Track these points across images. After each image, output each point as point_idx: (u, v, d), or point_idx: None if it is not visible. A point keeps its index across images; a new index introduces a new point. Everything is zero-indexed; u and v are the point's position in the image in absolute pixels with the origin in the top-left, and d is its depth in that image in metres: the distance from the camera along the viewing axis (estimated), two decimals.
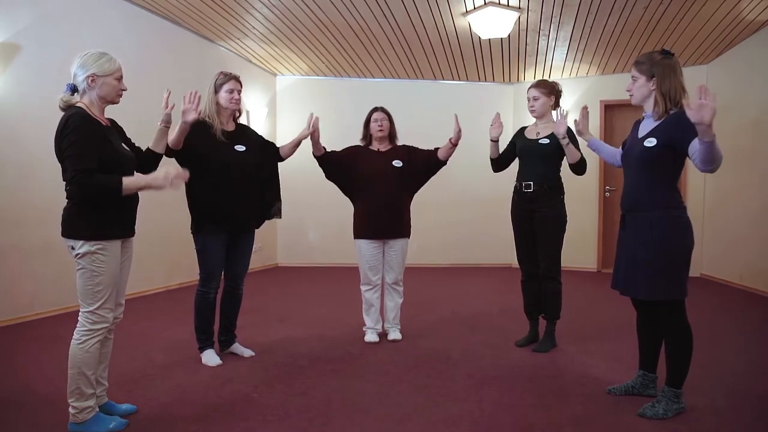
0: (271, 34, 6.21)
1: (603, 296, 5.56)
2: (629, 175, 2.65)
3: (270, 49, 6.82)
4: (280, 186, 3.68)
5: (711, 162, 2.32)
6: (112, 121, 2.49)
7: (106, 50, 2.41)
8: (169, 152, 3.09)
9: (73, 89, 2.33)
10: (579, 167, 3.53)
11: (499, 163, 3.82)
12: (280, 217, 3.59)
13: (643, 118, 2.68)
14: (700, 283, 6.51)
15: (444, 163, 3.92)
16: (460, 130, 3.75)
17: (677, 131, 2.44)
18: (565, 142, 3.44)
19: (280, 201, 3.60)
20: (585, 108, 3.19)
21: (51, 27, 4.50)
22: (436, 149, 3.91)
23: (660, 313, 2.59)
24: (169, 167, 2.41)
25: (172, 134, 3.03)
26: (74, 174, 2.21)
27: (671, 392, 2.55)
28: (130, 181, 2.34)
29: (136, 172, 2.52)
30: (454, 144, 3.81)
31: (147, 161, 2.67)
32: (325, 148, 3.81)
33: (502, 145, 3.78)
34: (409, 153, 3.91)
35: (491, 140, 3.72)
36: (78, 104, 2.32)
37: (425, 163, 3.89)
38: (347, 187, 3.94)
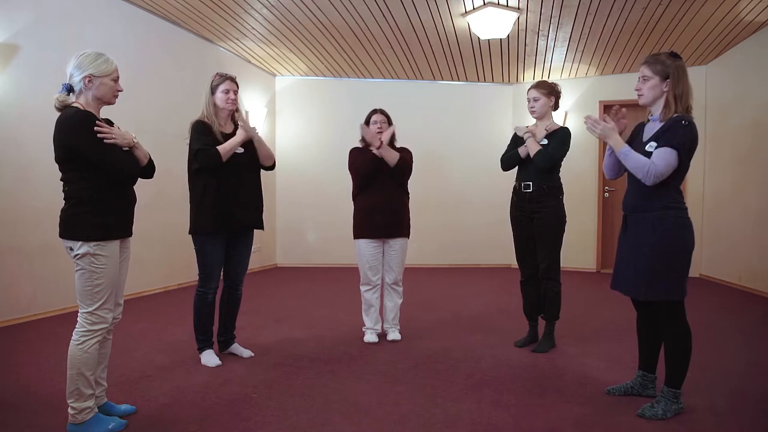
0: (270, 35, 6.21)
1: (602, 297, 5.56)
2: (632, 177, 2.64)
3: (269, 50, 6.82)
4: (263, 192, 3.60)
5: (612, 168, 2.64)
6: (109, 122, 2.48)
7: (105, 51, 2.40)
8: (216, 162, 3.17)
9: (69, 89, 2.32)
10: (538, 159, 3.50)
11: (514, 164, 3.75)
12: (263, 228, 3.54)
13: (648, 120, 2.67)
14: (699, 283, 6.51)
15: (395, 167, 3.78)
16: (373, 136, 3.73)
17: (661, 135, 2.46)
18: (522, 152, 3.54)
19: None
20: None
21: (50, 28, 4.50)
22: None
23: (660, 313, 2.60)
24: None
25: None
26: (125, 176, 2.33)
27: (670, 393, 2.55)
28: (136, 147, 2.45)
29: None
30: (377, 148, 3.74)
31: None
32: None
33: (502, 144, 3.78)
34: (403, 155, 3.89)
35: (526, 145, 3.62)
36: (74, 104, 2.31)
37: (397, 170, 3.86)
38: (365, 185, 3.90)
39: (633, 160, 2.52)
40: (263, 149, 3.39)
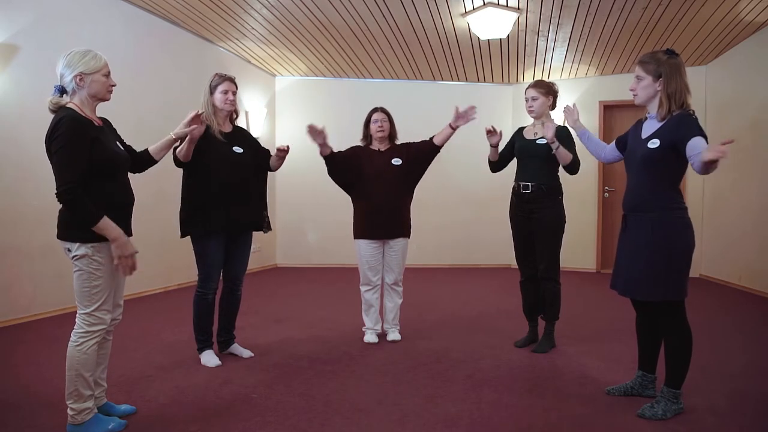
0: (270, 35, 6.21)
1: (602, 297, 5.56)
2: (632, 176, 2.65)
3: (269, 50, 6.82)
4: (267, 194, 3.59)
5: (708, 170, 2.34)
6: (105, 120, 2.47)
7: (105, 51, 2.39)
8: (179, 164, 3.18)
9: (62, 90, 2.29)
10: (570, 168, 3.52)
11: (497, 165, 3.84)
12: (270, 229, 3.55)
13: (647, 118, 2.67)
14: (699, 283, 6.51)
15: (439, 148, 3.87)
16: (460, 116, 3.72)
17: (678, 133, 2.44)
18: (555, 146, 3.44)
19: (267, 212, 3.54)
20: (567, 107, 3.21)
21: (50, 28, 4.50)
22: (432, 138, 3.88)
23: (660, 313, 2.59)
24: (126, 251, 2.27)
25: (182, 149, 3.09)
26: (62, 187, 2.16)
27: (670, 393, 2.55)
28: (105, 224, 2.22)
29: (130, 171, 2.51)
30: (453, 128, 3.78)
31: (140, 162, 2.63)
32: (331, 149, 3.76)
33: (502, 145, 3.79)
34: (408, 149, 3.90)
35: (491, 146, 3.73)
36: (69, 105, 2.28)
37: (422, 152, 3.88)
38: (348, 185, 3.92)
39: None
40: (277, 164, 3.50)
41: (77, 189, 2.18)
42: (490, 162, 3.85)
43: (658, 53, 2.56)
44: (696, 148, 2.37)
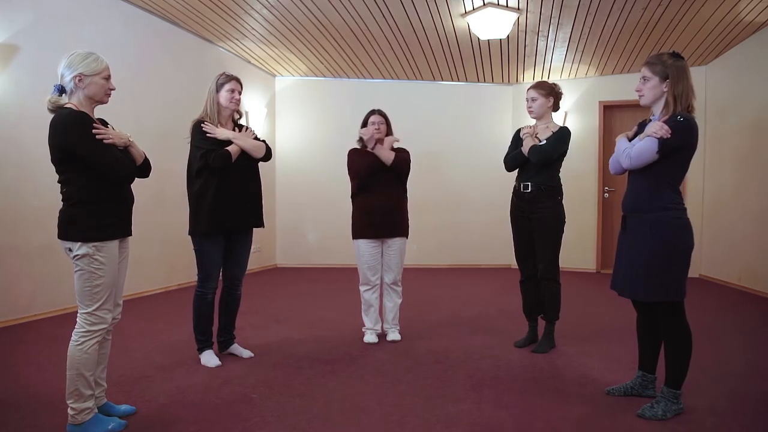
0: (270, 35, 6.21)
1: (602, 297, 5.56)
2: (632, 177, 2.65)
3: (269, 50, 6.82)
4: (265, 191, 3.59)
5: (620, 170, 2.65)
6: (103, 122, 2.47)
7: (105, 51, 2.40)
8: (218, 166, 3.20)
9: (61, 90, 2.31)
10: (533, 154, 3.52)
11: (516, 164, 3.73)
12: (264, 226, 3.54)
13: (650, 119, 2.67)
14: (699, 283, 6.51)
15: (392, 167, 3.81)
16: (370, 137, 3.81)
17: (675, 137, 2.45)
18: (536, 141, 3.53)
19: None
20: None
21: (50, 28, 4.50)
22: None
23: (660, 314, 2.60)
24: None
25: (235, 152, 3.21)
26: (116, 174, 2.33)
27: (670, 393, 2.55)
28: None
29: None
30: (371, 147, 3.82)
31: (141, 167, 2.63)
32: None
33: (502, 144, 3.79)
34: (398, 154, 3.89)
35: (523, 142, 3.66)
36: (67, 105, 2.30)
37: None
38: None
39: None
40: (247, 145, 3.29)
41: (125, 169, 2.37)
42: (511, 160, 3.71)
43: (663, 55, 2.57)
44: (635, 144, 2.54)
